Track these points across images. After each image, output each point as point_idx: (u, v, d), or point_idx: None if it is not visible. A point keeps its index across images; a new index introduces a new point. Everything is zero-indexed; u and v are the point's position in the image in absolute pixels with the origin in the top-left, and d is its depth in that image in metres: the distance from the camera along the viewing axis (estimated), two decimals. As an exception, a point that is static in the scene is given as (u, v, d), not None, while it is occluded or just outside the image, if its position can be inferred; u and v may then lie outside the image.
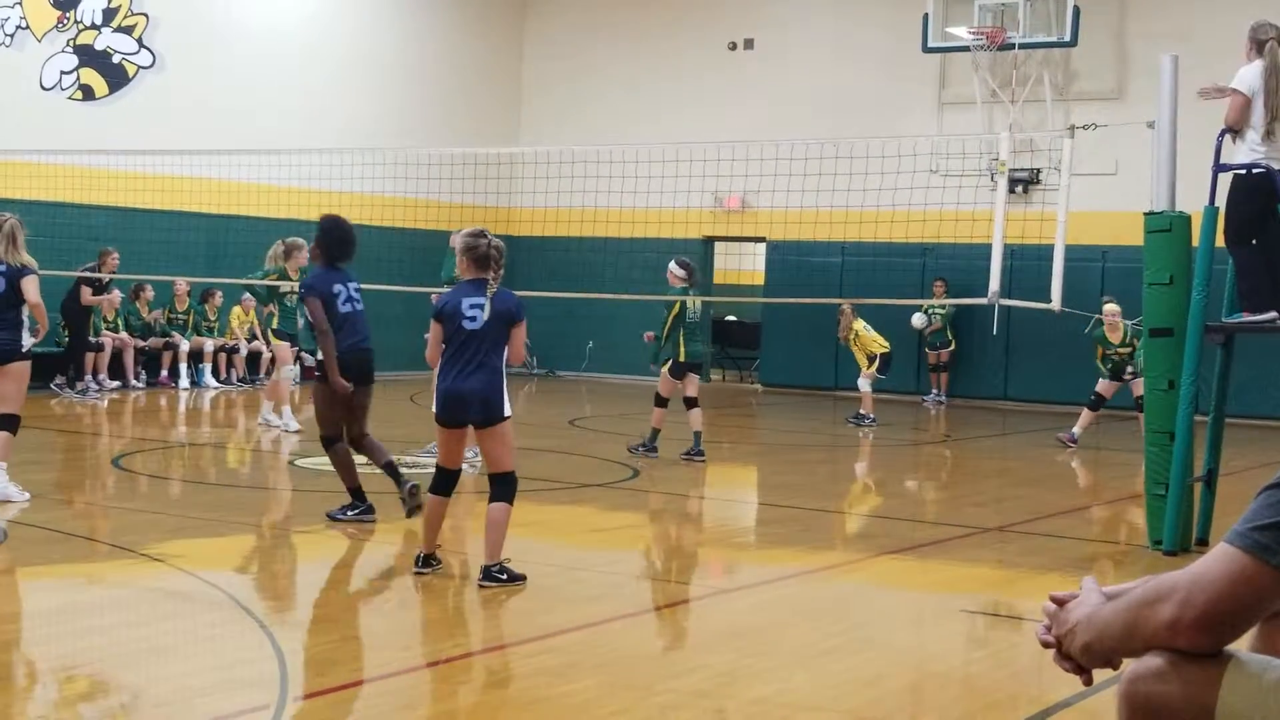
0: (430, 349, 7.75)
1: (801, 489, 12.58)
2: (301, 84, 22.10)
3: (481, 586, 7.50)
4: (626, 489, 11.94)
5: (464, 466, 12.30)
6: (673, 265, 13.88)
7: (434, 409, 7.82)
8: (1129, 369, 15.50)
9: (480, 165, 20.84)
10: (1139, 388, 15.43)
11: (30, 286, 9.88)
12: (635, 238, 19.67)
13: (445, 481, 7.84)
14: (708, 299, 15.26)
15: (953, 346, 21.30)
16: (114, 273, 18.48)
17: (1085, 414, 15.81)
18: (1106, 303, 15.82)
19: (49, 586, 7.69)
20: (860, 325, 17.89)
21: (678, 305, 13.61)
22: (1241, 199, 9.11)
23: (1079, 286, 16.36)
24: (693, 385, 13.71)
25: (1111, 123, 13.05)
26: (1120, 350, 15.64)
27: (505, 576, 7.54)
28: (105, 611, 7.18)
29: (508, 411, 7.64)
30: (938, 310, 20.85)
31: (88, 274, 18.20)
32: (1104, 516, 11.86)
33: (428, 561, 7.80)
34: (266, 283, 15.18)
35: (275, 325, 15.36)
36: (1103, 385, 15.75)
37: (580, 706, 5.51)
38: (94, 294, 18.39)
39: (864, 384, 17.91)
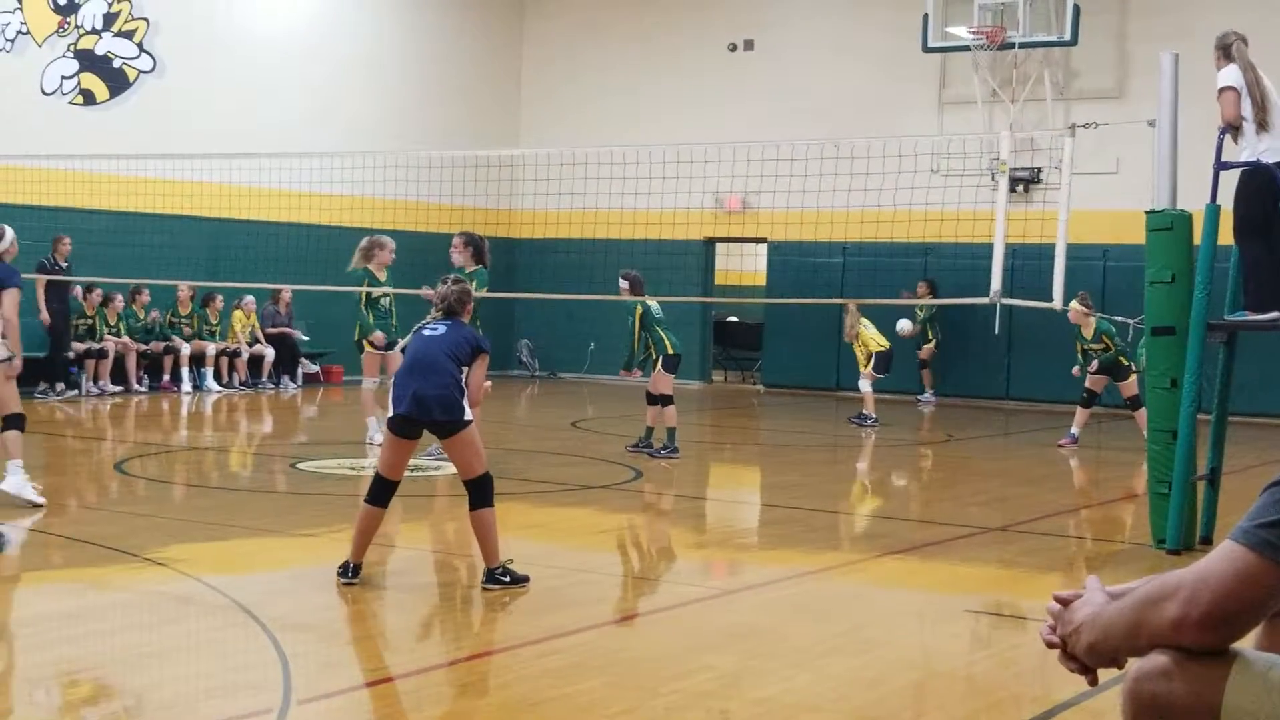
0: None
1: (804, 489, 12.59)
2: (301, 88, 22.12)
3: (485, 589, 7.50)
4: (629, 490, 11.94)
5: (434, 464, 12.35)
6: (620, 281, 14.03)
7: (388, 413, 7.69)
8: (1122, 366, 15.51)
9: (481, 168, 20.84)
10: (1128, 389, 15.51)
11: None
12: (636, 239, 19.67)
13: (385, 492, 7.68)
14: (668, 299, 15.62)
15: (933, 343, 21.10)
16: (67, 259, 18.34)
17: (1079, 412, 15.84)
18: (1073, 300, 15.63)
19: (52, 591, 7.69)
20: (863, 323, 17.95)
21: (639, 308, 13.73)
22: (1245, 195, 9.12)
23: (1081, 285, 16.36)
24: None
25: (1112, 121, 13.05)
26: (1093, 346, 15.65)
27: (509, 579, 7.53)
28: (108, 616, 7.18)
29: (467, 416, 7.54)
30: (919, 311, 20.66)
31: (49, 275, 18.06)
32: (1107, 516, 11.86)
33: (352, 571, 7.57)
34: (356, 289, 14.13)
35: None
36: (1091, 380, 15.77)
37: (585, 707, 5.51)
38: (49, 284, 18.11)
39: (864, 384, 17.93)
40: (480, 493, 7.56)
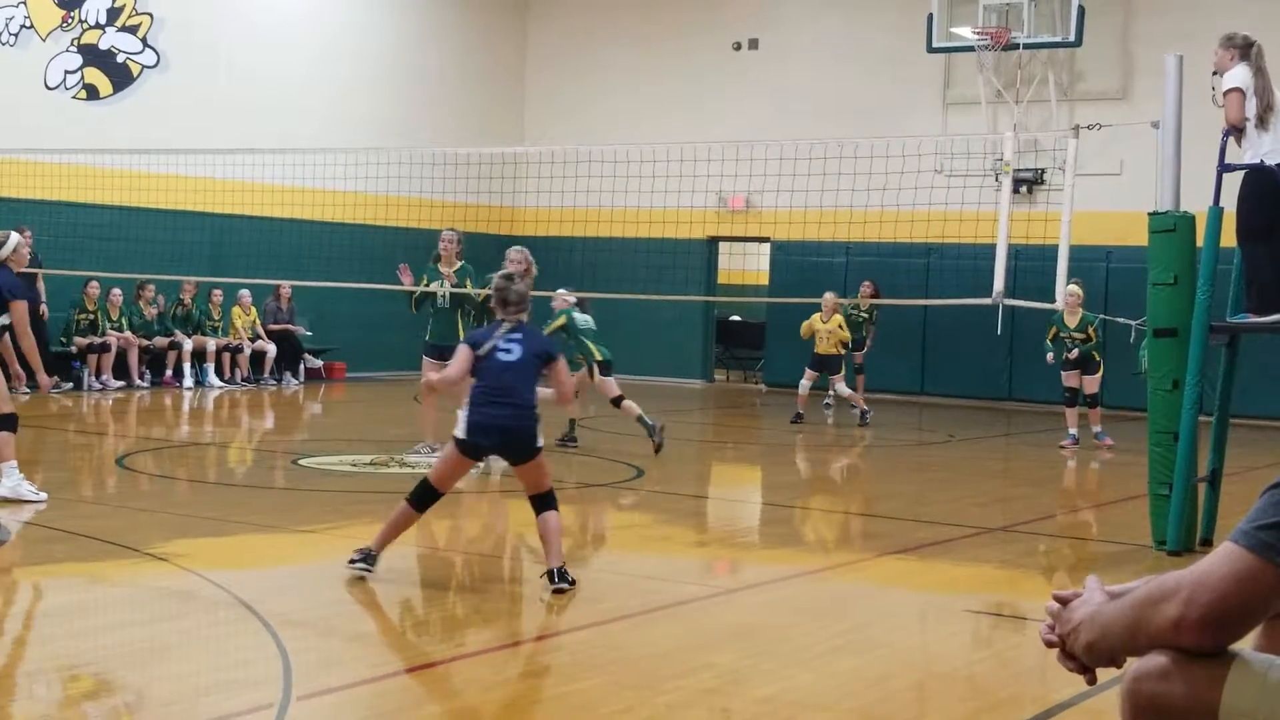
0: (452, 369, 7.69)
1: (805, 489, 12.58)
2: (305, 84, 22.12)
3: (558, 591, 7.39)
4: (630, 489, 11.94)
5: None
6: (563, 291, 14.34)
7: (458, 432, 7.51)
8: (1094, 360, 15.64)
9: (485, 165, 20.85)
10: (1090, 385, 15.62)
11: None
12: (639, 238, 19.67)
13: (429, 499, 7.64)
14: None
15: (867, 348, 19.95)
16: (31, 250, 18.13)
17: (1068, 413, 15.93)
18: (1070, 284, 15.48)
19: (53, 586, 7.69)
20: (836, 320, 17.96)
21: (563, 318, 13.94)
22: (1249, 197, 9.12)
23: (1084, 287, 16.35)
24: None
25: (1116, 123, 13.04)
26: (1075, 335, 15.70)
27: (572, 579, 7.50)
28: (109, 611, 7.18)
29: (539, 443, 7.58)
30: (862, 314, 19.74)
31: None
32: (1107, 516, 11.85)
33: (370, 558, 7.55)
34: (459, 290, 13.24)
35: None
36: (1066, 377, 15.87)
37: (586, 705, 5.51)
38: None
39: (842, 386, 17.81)
40: (546, 500, 7.61)
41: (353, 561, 7.58)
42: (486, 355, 7.56)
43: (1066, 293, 14.94)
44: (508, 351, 7.56)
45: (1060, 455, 15.34)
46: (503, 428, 7.47)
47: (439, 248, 13.24)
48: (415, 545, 9.19)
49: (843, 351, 18.05)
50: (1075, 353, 15.72)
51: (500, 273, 7.98)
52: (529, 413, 7.53)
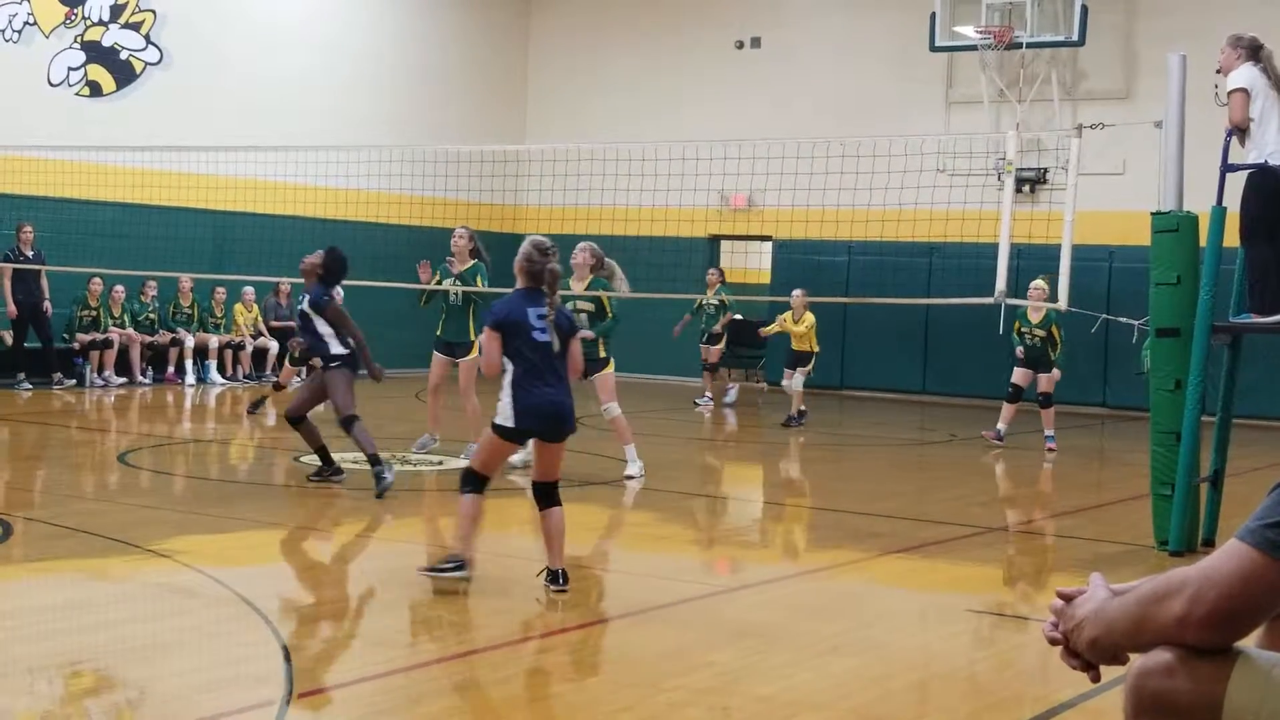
0: (491, 359, 7.41)
1: (806, 487, 12.57)
2: (307, 81, 22.12)
3: (560, 591, 7.35)
4: (630, 487, 11.91)
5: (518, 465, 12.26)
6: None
7: (503, 421, 7.31)
8: (1052, 357, 15.65)
9: (487, 163, 20.85)
10: (1045, 383, 15.63)
11: None
12: (641, 236, 19.65)
13: (483, 484, 7.50)
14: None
15: (722, 344, 20.24)
16: (32, 247, 18.14)
17: (1006, 408, 15.95)
18: (1037, 279, 15.35)
19: (55, 582, 7.69)
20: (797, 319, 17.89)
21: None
22: (1252, 197, 9.12)
23: (1086, 286, 16.36)
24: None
25: (1119, 122, 13.03)
26: (1036, 331, 15.71)
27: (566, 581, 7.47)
28: (110, 607, 7.18)
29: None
30: (710, 302, 19.96)
31: (14, 264, 17.92)
32: (1109, 516, 11.84)
33: (461, 566, 7.41)
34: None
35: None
36: (1018, 375, 15.88)
37: (585, 704, 5.51)
38: (15, 274, 17.95)
39: (797, 381, 17.76)
40: (554, 493, 7.46)
41: (441, 570, 7.37)
42: (521, 335, 7.34)
43: (1032, 286, 15.01)
44: (542, 330, 7.37)
45: (1061, 454, 15.30)
46: (561, 412, 7.36)
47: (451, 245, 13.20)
48: (415, 543, 9.19)
49: (816, 349, 17.99)
50: (1020, 350, 15.78)
51: (535, 240, 7.62)
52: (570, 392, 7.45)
